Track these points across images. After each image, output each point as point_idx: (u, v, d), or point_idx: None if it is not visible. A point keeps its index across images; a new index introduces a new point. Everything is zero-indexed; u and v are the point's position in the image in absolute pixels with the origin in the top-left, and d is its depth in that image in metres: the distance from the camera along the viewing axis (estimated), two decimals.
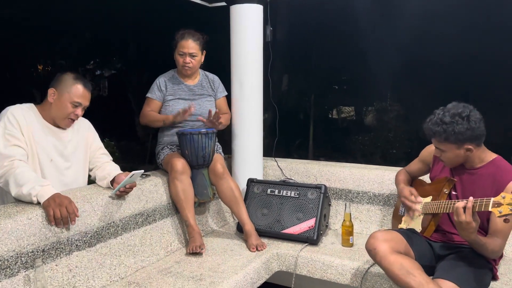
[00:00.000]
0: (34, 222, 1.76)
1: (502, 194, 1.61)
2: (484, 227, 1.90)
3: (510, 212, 1.57)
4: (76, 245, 1.93)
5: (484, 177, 1.91)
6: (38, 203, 1.81)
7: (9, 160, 1.88)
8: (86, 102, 2.10)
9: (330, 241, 2.61)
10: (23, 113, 2.00)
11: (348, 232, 2.49)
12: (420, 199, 2.07)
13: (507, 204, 1.58)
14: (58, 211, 1.78)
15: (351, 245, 2.50)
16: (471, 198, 1.69)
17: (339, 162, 3.16)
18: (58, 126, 2.11)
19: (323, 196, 2.61)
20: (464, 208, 1.68)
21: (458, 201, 1.76)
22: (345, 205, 2.53)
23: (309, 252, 2.42)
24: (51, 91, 2.05)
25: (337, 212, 2.84)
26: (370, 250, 1.93)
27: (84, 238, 1.97)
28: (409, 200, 2.10)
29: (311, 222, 2.57)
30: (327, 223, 2.74)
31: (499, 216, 1.61)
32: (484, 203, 1.66)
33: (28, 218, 1.74)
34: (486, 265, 1.92)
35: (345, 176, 2.84)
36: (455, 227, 1.99)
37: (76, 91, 2.05)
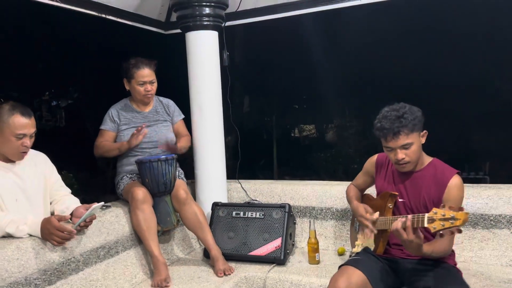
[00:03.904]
0: None
1: (434, 209, 1.61)
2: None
3: (442, 227, 1.57)
4: (35, 284, 1.85)
5: (426, 178, 1.97)
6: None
7: None
8: (30, 130, 1.96)
9: (297, 259, 2.62)
10: None
11: (314, 249, 2.52)
12: (376, 214, 2.07)
13: (439, 220, 1.58)
14: (56, 238, 1.90)
15: (318, 262, 2.52)
16: (409, 217, 1.70)
17: (304, 180, 3.21)
18: (13, 161, 2.02)
19: (288, 215, 2.64)
20: (404, 228, 1.70)
21: (400, 217, 1.79)
22: (310, 222, 2.56)
23: (277, 273, 2.42)
24: None
25: (302, 230, 2.86)
26: None
27: (43, 276, 1.89)
28: (365, 218, 2.07)
29: (277, 242, 2.57)
30: (293, 241, 2.75)
31: (433, 232, 1.63)
32: (420, 219, 1.67)
33: None
34: (453, 268, 1.96)
35: (308, 193, 2.88)
36: None
37: (15, 123, 1.90)
